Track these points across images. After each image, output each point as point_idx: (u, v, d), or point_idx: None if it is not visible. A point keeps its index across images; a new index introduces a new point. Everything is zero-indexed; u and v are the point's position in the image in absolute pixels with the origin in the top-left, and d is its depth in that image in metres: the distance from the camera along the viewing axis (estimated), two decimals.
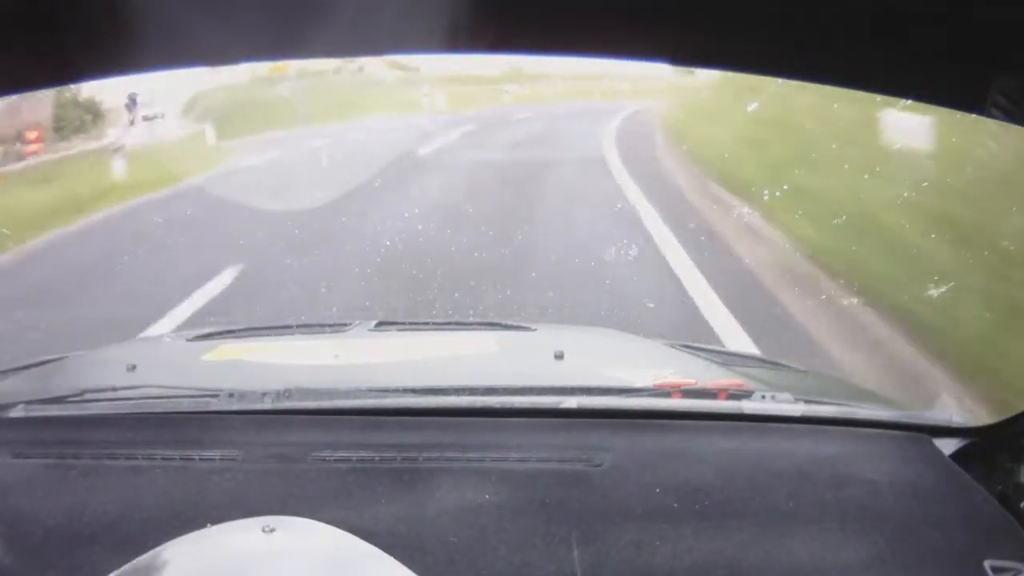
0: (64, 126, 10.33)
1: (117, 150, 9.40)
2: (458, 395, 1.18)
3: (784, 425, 1.12)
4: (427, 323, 1.65)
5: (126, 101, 11.04)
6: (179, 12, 0.56)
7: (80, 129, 10.76)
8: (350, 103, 13.31)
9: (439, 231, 4.95)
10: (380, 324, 1.57)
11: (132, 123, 11.37)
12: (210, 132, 10.26)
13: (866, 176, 4.58)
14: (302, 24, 0.58)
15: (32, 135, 9.30)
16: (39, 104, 9.64)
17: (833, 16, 0.54)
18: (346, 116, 12.25)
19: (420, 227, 5.11)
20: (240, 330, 1.63)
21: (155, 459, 1.07)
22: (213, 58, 0.64)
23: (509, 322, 1.63)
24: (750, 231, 4.83)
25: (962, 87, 0.60)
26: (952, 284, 3.15)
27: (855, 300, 3.49)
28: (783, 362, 1.47)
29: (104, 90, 10.39)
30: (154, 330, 3.45)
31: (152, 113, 11.63)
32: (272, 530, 0.74)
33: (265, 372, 1.40)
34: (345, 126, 11.35)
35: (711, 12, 0.56)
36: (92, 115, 11.08)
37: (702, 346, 1.49)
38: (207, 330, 1.63)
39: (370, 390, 1.19)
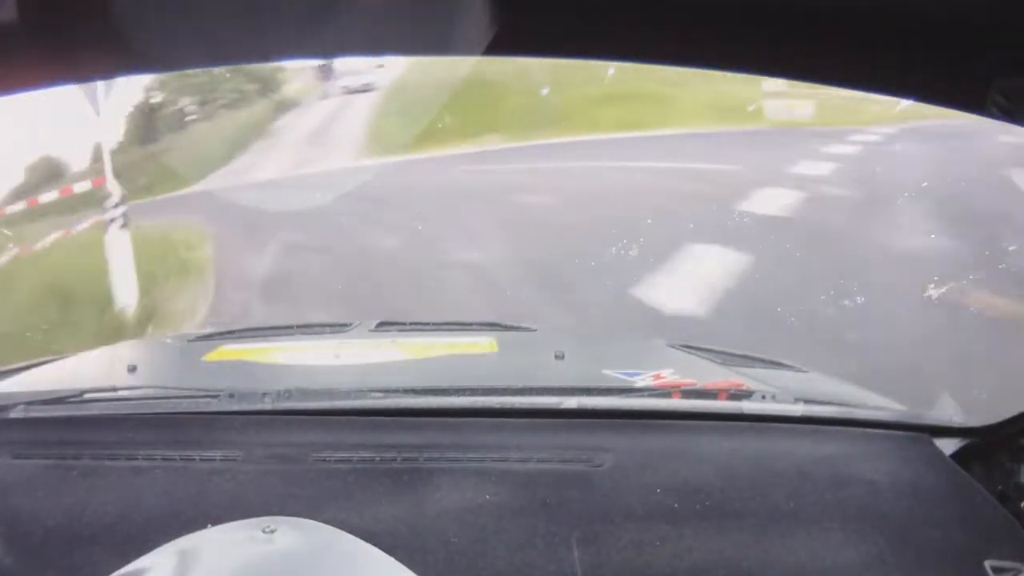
0: (210, 101, 6.60)
1: None
2: (458, 395, 1.18)
3: (784, 425, 1.12)
4: (427, 324, 1.65)
5: (320, 63, 7.82)
6: (180, 12, 0.56)
7: (236, 104, 7.07)
8: (640, 95, 7.45)
9: None
10: (380, 325, 1.57)
11: (326, 96, 8.31)
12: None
13: None
14: (307, 24, 0.58)
15: None
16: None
17: (833, 16, 0.54)
18: (625, 122, 6.67)
19: None
20: (240, 331, 1.63)
21: (155, 460, 1.07)
22: (216, 58, 0.64)
23: (509, 323, 1.63)
24: None
25: (962, 87, 0.60)
26: None
27: None
28: (783, 362, 1.46)
29: None
30: None
31: (358, 84, 8.06)
32: (272, 530, 0.74)
33: (265, 373, 1.40)
34: (606, 177, 5.35)
35: (710, 12, 0.56)
36: (260, 85, 7.47)
37: (702, 346, 1.49)
38: (208, 331, 1.63)
39: (370, 390, 1.19)
